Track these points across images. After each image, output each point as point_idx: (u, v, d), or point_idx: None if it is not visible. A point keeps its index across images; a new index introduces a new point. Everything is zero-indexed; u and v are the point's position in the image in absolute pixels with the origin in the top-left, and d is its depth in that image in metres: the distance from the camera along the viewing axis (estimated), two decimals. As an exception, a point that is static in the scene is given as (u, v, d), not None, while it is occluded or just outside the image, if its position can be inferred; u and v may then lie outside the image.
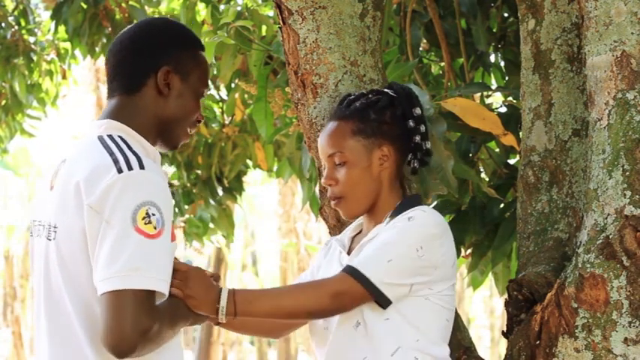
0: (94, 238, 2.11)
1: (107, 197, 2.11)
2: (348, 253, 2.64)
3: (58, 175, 2.25)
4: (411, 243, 2.45)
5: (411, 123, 2.60)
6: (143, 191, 2.14)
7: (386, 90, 2.64)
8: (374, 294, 2.42)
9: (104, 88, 16.61)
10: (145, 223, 2.11)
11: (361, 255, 2.47)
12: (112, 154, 2.17)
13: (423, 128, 2.61)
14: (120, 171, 2.13)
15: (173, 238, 2.22)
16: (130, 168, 2.14)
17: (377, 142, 2.56)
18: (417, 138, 2.60)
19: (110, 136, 2.24)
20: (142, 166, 2.15)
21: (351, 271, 2.43)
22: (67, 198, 2.17)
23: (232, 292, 2.35)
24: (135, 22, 2.49)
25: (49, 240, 2.20)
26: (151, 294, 2.10)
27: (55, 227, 2.19)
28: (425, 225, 2.48)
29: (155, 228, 2.12)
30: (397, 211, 2.55)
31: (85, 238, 2.13)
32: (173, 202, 2.29)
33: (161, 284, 2.13)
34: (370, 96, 2.64)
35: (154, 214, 2.12)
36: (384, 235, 2.48)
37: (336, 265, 2.62)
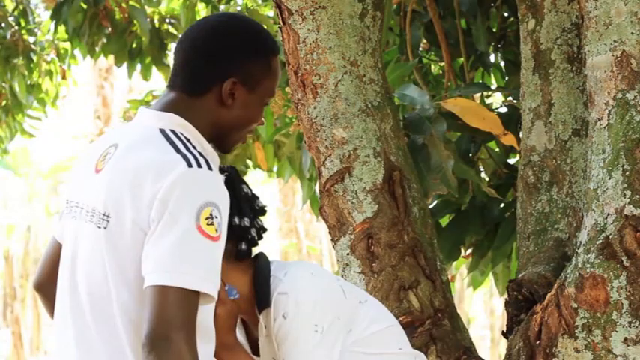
0: (153, 226, 2.06)
1: (174, 189, 2.05)
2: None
3: (108, 160, 2.17)
4: None
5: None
6: (210, 191, 2.09)
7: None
8: None
9: (104, 89, 16.64)
10: (208, 224, 2.06)
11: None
12: (178, 150, 2.11)
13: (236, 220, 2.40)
14: (189, 165, 2.07)
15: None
16: (199, 165, 2.08)
17: None
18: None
19: (174, 132, 2.18)
20: (209, 167, 2.10)
21: None
22: (124, 189, 2.10)
23: None
24: (212, 15, 2.36)
25: (99, 228, 2.13)
26: (196, 295, 2.04)
27: (107, 216, 2.11)
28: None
29: (216, 231, 2.07)
30: (260, 295, 2.40)
31: (139, 231, 2.07)
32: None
33: (211, 287, 2.06)
34: None
35: (216, 217, 2.07)
36: None
37: None
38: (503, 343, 3.60)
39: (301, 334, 2.32)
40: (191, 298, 2.03)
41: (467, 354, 3.00)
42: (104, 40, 6.89)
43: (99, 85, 16.63)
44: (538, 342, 2.73)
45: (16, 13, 7.82)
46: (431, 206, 3.96)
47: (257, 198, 2.46)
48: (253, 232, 2.42)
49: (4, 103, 8.24)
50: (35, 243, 23.15)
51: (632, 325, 2.58)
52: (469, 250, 4.20)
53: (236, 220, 2.38)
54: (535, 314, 2.76)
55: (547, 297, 2.73)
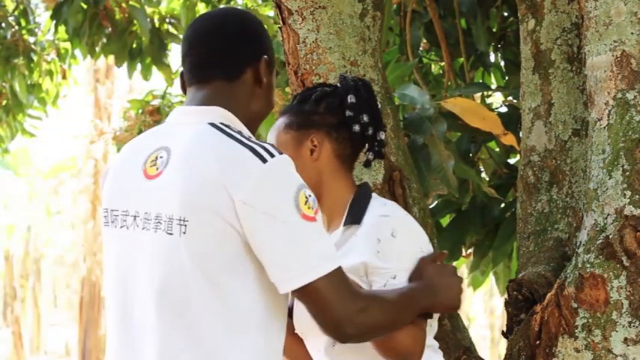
0: (255, 234, 2.04)
1: (261, 190, 2.03)
2: None
3: (163, 164, 2.12)
4: (407, 265, 2.41)
5: (349, 112, 2.49)
6: (294, 174, 2.08)
7: (336, 83, 2.59)
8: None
9: (102, 89, 16.62)
10: (308, 208, 2.06)
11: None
12: (243, 143, 2.08)
13: (365, 118, 2.48)
14: (264, 160, 2.04)
15: None
16: (271, 155, 2.05)
17: (306, 133, 2.48)
18: (357, 127, 2.48)
19: (224, 125, 2.14)
20: (280, 152, 2.08)
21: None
22: (200, 190, 2.05)
23: None
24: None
25: (171, 234, 2.07)
26: (341, 272, 2.07)
27: (184, 221, 2.05)
28: (409, 240, 2.43)
29: (313, 209, 2.07)
30: (352, 212, 2.48)
31: (225, 235, 2.05)
32: None
33: (339, 261, 2.10)
34: (316, 89, 2.58)
35: (310, 195, 2.08)
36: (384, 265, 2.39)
37: None
38: (503, 343, 3.60)
39: (409, 251, 2.40)
40: (337, 276, 2.06)
41: (467, 354, 3.00)
42: (104, 40, 6.89)
43: (93, 86, 16.64)
44: (538, 342, 2.73)
45: (16, 13, 7.82)
46: (431, 206, 3.96)
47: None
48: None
49: (4, 102, 8.24)
50: (35, 243, 23.15)
51: (632, 325, 2.58)
52: (470, 250, 4.20)
53: (370, 130, 2.49)
54: (535, 314, 2.76)
55: (547, 297, 2.73)
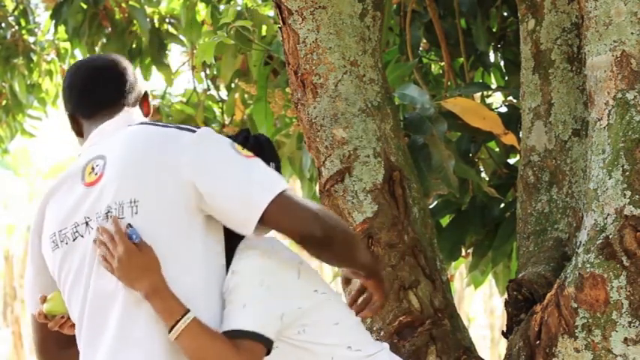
0: (207, 184, 2.20)
1: (202, 147, 2.24)
2: None
3: (102, 168, 2.26)
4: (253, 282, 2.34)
5: None
6: (223, 136, 2.31)
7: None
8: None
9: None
10: (243, 149, 2.29)
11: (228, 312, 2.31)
12: (168, 127, 2.30)
13: None
14: (193, 132, 2.26)
15: None
16: (197, 129, 2.27)
17: None
18: None
19: (146, 122, 2.39)
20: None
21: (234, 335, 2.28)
22: (144, 175, 2.21)
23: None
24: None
25: (122, 219, 2.21)
26: (291, 190, 2.26)
27: (134, 202, 2.21)
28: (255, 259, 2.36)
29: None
30: None
31: (176, 201, 2.20)
32: None
33: (286, 184, 2.26)
34: None
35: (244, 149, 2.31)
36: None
37: None
38: (503, 343, 3.60)
39: (247, 288, 2.31)
40: (289, 195, 2.23)
41: (467, 354, 3.00)
42: (104, 40, 6.89)
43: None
44: (538, 342, 2.73)
45: (16, 13, 7.82)
46: (431, 206, 3.96)
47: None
48: None
49: (4, 102, 8.24)
50: (35, 243, 23.12)
51: (632, 325, 2.58)
52: (469, 250, 4.20)
53: None
54: (535, 314, 2.76)
55: (547, 297, 2.73)
